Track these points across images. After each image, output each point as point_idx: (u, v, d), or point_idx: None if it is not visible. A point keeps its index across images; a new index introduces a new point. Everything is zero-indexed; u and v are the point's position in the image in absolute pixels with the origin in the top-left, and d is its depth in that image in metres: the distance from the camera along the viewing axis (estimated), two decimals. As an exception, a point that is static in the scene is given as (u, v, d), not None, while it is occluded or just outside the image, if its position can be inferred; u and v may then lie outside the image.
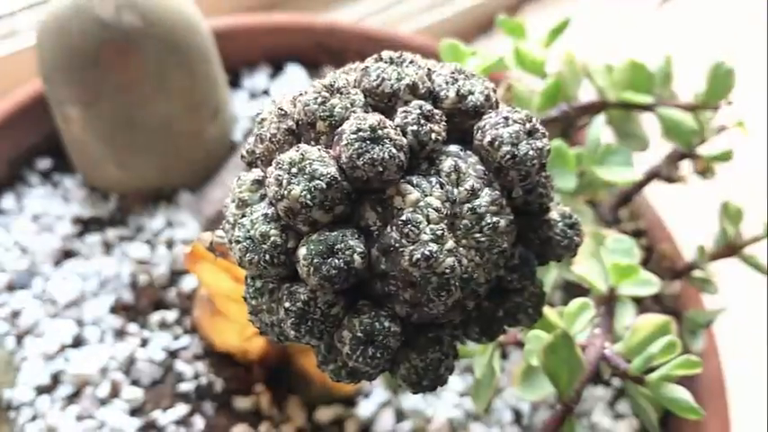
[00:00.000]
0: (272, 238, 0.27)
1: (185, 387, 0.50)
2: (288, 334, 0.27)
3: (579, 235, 0.30)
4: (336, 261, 0.25)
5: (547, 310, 0.36)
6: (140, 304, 0.54)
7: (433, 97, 0.28)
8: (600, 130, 0.43)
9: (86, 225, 0.58)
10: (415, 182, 0.26)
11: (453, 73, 0.28)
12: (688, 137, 0.45)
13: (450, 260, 0.26)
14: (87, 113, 0.55)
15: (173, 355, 0.51)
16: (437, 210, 0.26)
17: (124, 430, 0.48)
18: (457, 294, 0.27)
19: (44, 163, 0.61)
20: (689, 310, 0.49)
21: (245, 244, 0.27)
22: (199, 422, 0.48)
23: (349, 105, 0.26)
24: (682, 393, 0.33)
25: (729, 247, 0.44)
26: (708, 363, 0.51)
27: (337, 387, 0.49)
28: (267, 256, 0.27)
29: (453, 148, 0.28)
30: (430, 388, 0.29)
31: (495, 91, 0.29)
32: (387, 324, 0.27)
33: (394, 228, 0.26)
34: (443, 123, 0.27)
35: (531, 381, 0.39)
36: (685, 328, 0.49)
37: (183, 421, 0.48)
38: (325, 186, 0.25)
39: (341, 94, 0.27)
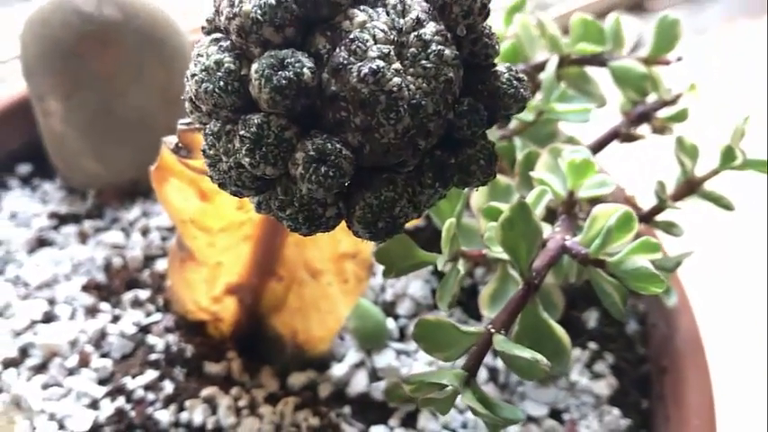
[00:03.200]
0: (225, 65, 0.28)
1: (155, 356, 0.49)
2: (243, 165, 0.28)
3: (525, 88, 0.31)
4: (286, 73, 0.27)
5: (499, 205, 0.37)
6: (113, 284, 0.54)
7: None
8: (553, 73, 0.45)
9: (63, 219, 0.59)
10: (362, 8, 0.28)
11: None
12: (639, 82, 0.47)
13: (397, 79, 0.27)
14: (66, 105, 0.57)
15: (144, 329, 0.51)
16: (384, 31, 0.28)
17: (91, 395, 0.46)
18: (406, 120, 0.28)
19: (24, 168, 0.63)
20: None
21: (200, 76, 0.28)
22: (168, 386, 0.47)
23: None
24: (643, 263, 0.33)
25: (689, 183, 0.45)
26: (682, 318, 0.51)
27: (310, 347, 0.48)
28: (222, 83, 0.28)
29: (400, -11, 0.29)
30: (385, 232, 0.30)
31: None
32: (338, 146, 0.27)
33: (342, 47, 0.27)
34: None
35: (497, 301, 0.39)
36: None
37: (152, 386, 0.47)
38: (274, 3, 0.27)
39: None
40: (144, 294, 0.53)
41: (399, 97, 0.27)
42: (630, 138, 0.50)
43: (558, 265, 0.38)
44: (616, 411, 0.48)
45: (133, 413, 0.46)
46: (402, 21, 0.28)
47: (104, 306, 0.52)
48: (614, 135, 0.51)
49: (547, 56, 0.49)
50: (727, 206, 0.45)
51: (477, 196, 0.42)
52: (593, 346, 0.51)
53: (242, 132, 0.28)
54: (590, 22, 0.48)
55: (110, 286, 0.54)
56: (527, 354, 0.31)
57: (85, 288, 0.53)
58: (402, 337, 0.51)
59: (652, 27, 0.48)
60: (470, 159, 0.31)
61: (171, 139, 0.37)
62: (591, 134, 0.54)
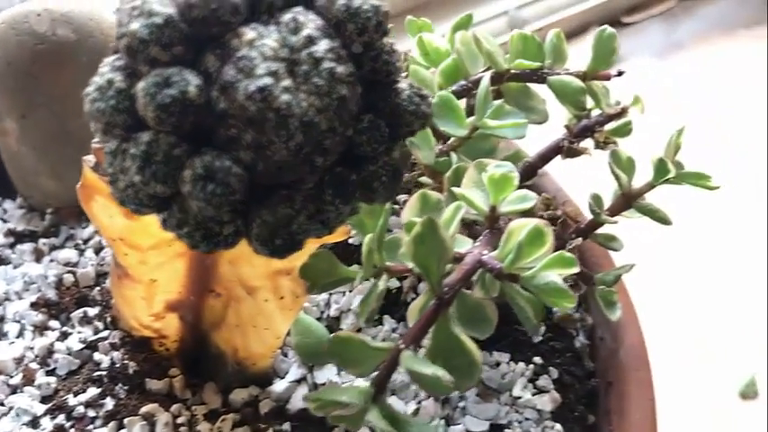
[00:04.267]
0: (116, 84, 0.28)
1: (99, 373, 0.49)
2: (136, 183, 0.28)
3: (428, 105, 0.32)
4: (171, 91, 0.27)
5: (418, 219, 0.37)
6: (63, 302, 0.54)
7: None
8: (488, 87, 0.45)
9: (19, 237, 0.59)
10: (252, 26, 0.28)
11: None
12: (576, 97, 0.47)
13: (286, 96, 0.28)
14: (22, 125, 0.57)
15: (91, 346, 0.51)
16: (273, 49, 0.28)
17: (32, 412, 0.47)
18: (299, 137, 0.28)
19: (-16, 187, 0.63)
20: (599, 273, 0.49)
21: (93, 95, 0.29)
22: (109, 403, 0.47)
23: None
24: (553, 278, 0.33)
25: (625, 197, 0.45)
26: (628, 333, 0.51)
27: (251, 364, 0.48)
28: (112, 102, 0.28)
29: (297, 8, 0.30)
30: (284, 249, 0.30)
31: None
32: (227, 163, 0.28)
33: (230, 65, 0.28)
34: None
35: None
36: (598, 294, 0.49)
37: (93, 403, 0.47)
38: (161, 23, 0.27)
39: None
40: (93, 311, 0.53)
41: (289, 114, 0.28)
42: (573, 152, 0.51)
43: (481, 280, 0.38)
44: (558, 427, 0.48)
45: (73, 430, 0.46)
46: (294, 38, 0.29)
47: (53, 323, 0.53)
48: (557, 150, 0.51)
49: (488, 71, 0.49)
50: (664, 220, 0.45)
51: (407, 210, 0.42)
52: (537, 360, 0.51)
53: (132, 151, 0.28)
54: (529, 37, 0.49)
55: (60, 303, 0.54)
56: (430, 370, 0.31)
57: (35, 305, 0.53)
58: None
59: (590, 42, 0.49)
60: (373, 176, 0.31)
61: (90, 158, 0.37)
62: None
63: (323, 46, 0.29)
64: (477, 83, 0.49)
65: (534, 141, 0.51)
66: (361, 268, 0.38)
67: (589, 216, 0.48)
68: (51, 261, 0.57)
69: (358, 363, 0.33)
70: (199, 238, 0.30)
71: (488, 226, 0.39)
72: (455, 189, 0.39)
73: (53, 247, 0.58)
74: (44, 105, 0.57)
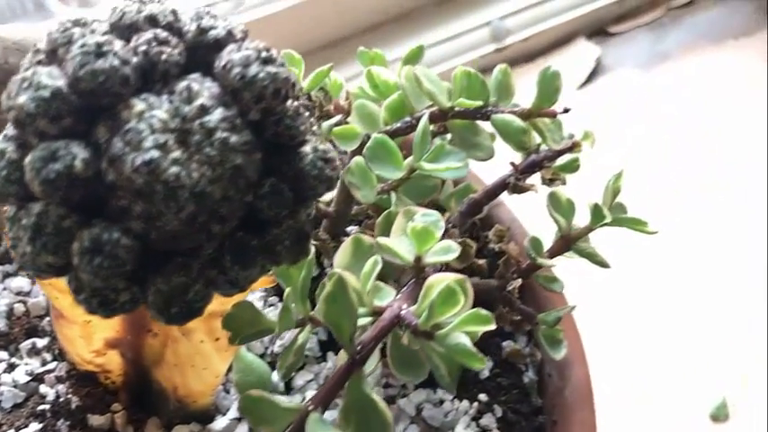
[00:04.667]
0: (7, 155, 0.28)
1: (43, 407, 0.49)
2: (27, 253, 0.28)
3: (333, 168, 0.31)
4: (57, 165, 0.27)
5: (343, 272, 0.37)
6: (13, 332, 0.54)
7: (176, 31, 0.30)
8: (426, 128, 0.45)
9: (-26, 264, 0.59)
10: (143, 97, 0.28)
11: (199, 12, 0.31)
12: (518, 137, 0.47)
13: (174, 169, 0.27)
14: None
15: (37, 378, 0.51)
16: (162, 121, 0.28)
17: (-28, 449, 0.47)
18: (190, 208, 0.28)
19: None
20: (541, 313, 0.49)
21: (-15, 164, 0.28)
22: (49, 439, 0.47)
23: (88, 32, 0.29)
24: (462, 340, 0.33)
25: (564, 240, 0.45)
26: (573, 371, 0.51)
27: (192, 401, 0.48)
28: (4, 173, 0.28)
29: (194, 75, 0.29)
30: (181, 316, 0.30)
31: (245, 33, 0.31)
32: (116, 235, 0.28)
33: (119, 137, 0.27)
34: (180, 49, 0.29)
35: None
36: (541, 333, 0.48)
37: (34, 439, 0.48)
38: (48, 96, 0.27)
39: (84, 25, 0.29)
40: (42, 342, 0.53)
41: (178, 186, 0.28)
42: (519, 189, 0.50)
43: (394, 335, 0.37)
44: (499, 467, 0.48)
45: (12, 467, 0.46)
46: (187, 108, 0.29)
47: (1, 354, 0.53)
48: (503, 186, 0.50)
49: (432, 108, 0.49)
50: (602, 264, 0.45)
51: (340, 254, 0.42)
52: (482, 397, 0.51)
53: (24, 221, 0.28)
54: (473, 75, 0.48)
55: (9, 334, 0.54)
56: (331, 435, 0.31)
57: (-17, 337, 0.53)
58: (288, 389, 0.51)
59: (535, 80, 0.48)
60: (276, 240, 0.31)
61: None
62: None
63: (216, 116, 0.29)
64: (418, 119, 0.49)
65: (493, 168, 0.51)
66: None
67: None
68: (4, 290, 0.57)
69: (269, 422, 0.33)
70: (95, 305, 0.30)
71: (414, 276, 0.39)
72: (380, 240, 0.38)
73: (6, 275, 0.58)
74: (-2, 133, 0.57)
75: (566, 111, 0.49)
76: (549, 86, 0.47)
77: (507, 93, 0.49)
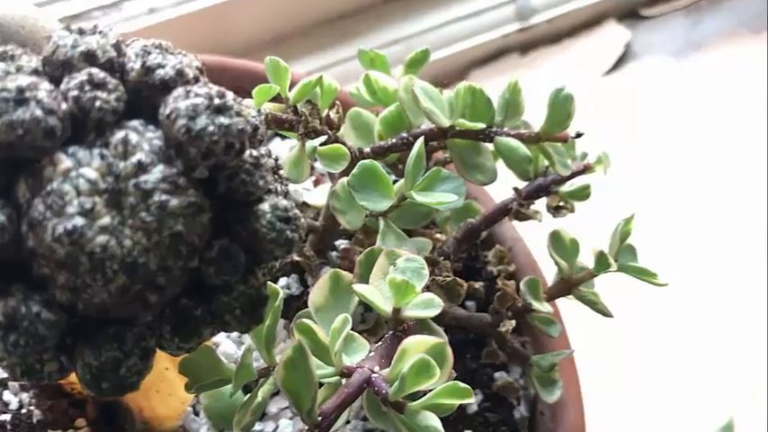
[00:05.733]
0: None
1: (3, 418, 0.47)
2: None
3: (294, 230, 0.28)
4: (-34, 229, 0.23)
5: (312, 325, 0.33)
6: (-20, 331, 0.52)
7: (117, 69, 0.26)
8: (421, 153, 0.41)
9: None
10: (71, 152, 0.24)
11: (147, 47, 0.27)
12: (522, 165, 0.42)
13: (102, 238, 0.24)
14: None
15: (2, 384, 0.49)
16: (91, 182, 0.24)
17: (-73, 461, 0.45)
18: (121, 280, 0.24)
19: None
20: (537, 354, 0.45)
21: None
22: (7, 455, 0.45)
23: (13, 71, 0.25)
24: (432, 422, 0.30)
25: (565, 283, 0.41)
26: (567, 414, 0.47)
27: (157, 424, 0.46)
28: None
29: (134, 122, 0.26)
30: (112, 391, 0.26)
31: (201, 70, 0.27)
32: (36, 309, 0.24)
33: (40, 199, 0.24)
34: (119, 93, 0.25)
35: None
36: (535, 375, 0.45)
37: (-9, 454, 0.45)
38: (-41, 147, 0.24)
39: (11, 59, 0.25)
40: (9, 344, 0.51)
41: (106, 258, 0.24)
42: (522, 216, 0.46)
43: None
44: None
45: (-34, 484, 0.44)
46: (122, 164, 0.25)
47: (-33, 355, 0.50)
48: (504, 211, 0.46)
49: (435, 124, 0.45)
50: (603, 312, 0.41)
51: (316, 293, 0.38)
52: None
53: (-69, 285, 0.25)
54: (478, 91, 0.44)
55: (-24, 333, 0.51)
56: None
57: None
58: (261, 416, 0.48)
59: (546, 102, 0.43)
60: (224, 308, 0.27)
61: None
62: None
63: (155, 174, 0.25)
64: (418, 137, 0.45)
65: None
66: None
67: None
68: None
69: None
70: (20, 374, 0.26)
71: (392, 328, 0.35)
72: (356, 288, 0.35)
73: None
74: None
75: (578, 135, 0.45)
76: (561, 111, 0.43)
77: (515, 111, 0.45)
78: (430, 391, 0.32)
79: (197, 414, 0.48)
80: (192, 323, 0.27)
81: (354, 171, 0.39)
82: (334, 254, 0.51)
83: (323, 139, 0.41)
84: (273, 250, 0.27)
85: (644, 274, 0.39)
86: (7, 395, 0.48)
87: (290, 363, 0.30)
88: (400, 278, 0.33)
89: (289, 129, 0.43)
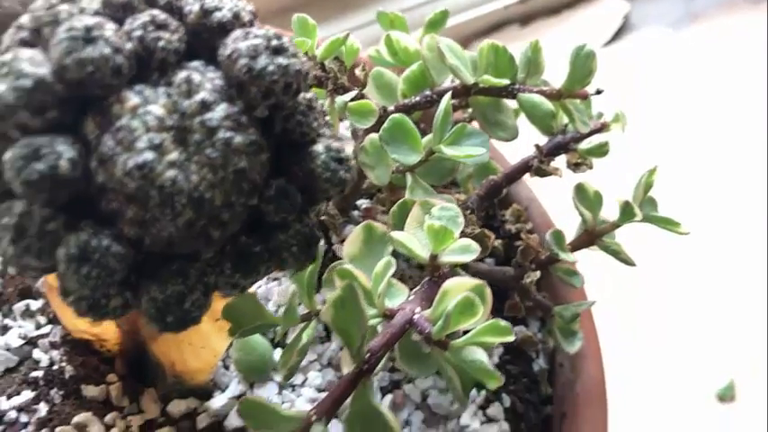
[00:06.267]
0: (-16, 147, 0.25)
1: (36, 374, 0.48)
2: (9, 255, 0.26)
3: (348, 170, 0.28)
4: (40, 165, 0.24)
5: (353, 270, 0.34)
6: (6, 293, 0.52)
7: (176, 12, 0.27)
8: (448, 108, 0.42)
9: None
10: (137, 89, 0.25)
11: (203, -10, 0.27)
12: (546, 121, 0.43)
13: (171, 172, 0.25)
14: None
15: (31, 342, 0.49)
16: (159, 118, 0.25)
17: (-37, 415, 0.45)
18: (188, 214, 0.25)
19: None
20: (558, 306, 0.46)
21: (-38, 159, 0.26)
22: (42, 409, 0.46)
23: (77, 11, 0.25)
24: (479, 356, 0.31)
25: (589, 234, 0.42)
26: (588, 364, 0.49)
27: (189, 377, 0.47)
28: (-20, 167, 0.25)
29: (195, 63, 0.26)
30: (176, 325, 0.27)
31: (254, 14, 0.28)
32: (106, 242, 0.25)
33: (109, 135, 0.25)
34: (180, 34, 0.26)
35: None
36: (556, 326, 0.46)
37: (26, 407, 0.46)
38: (31, 86, 0.24)
39: (72, 1, 0.26)
40: (36, 305, 0.51)
41: (175, 192, 0.25)
42: (543, 173, 0.47)
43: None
44: (504, 460, 0.47)
45: (3, 437, 0.45)
46: (186, 103, 0.26)
47: (-6, 316, 0.51)
48: (525, 168, 0.47)
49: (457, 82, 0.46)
50: (627, 261, 0.42)
51: (350, 242, 0.39)
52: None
53: (4, 221, 0.25)
54: (500, 49, 0.45)
55: (2, 294, 0.52)
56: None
57: (-24, 297, 0.52)
58: (289, 369, 0.49)
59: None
60: (282, 246, 0.28)
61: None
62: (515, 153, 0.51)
63: (218, 113, 0.26)
64: (442, 94, 0.46)
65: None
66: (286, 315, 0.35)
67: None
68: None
69: (270, 427, 0.31)
70: (85, 308, 0.27)
71: (429, 274, 0.36)
72: (394, 235, 0.36)
73: None
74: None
75: (598, 92, 0.46)
76: (583, 67, 0.44)
77: (536, 70, 0.46)
78: (467, 333, 0.34)
79: (227, 368, 0.49)
80: (251, 260, 0.28)
81: (385, 125, 0.40)
82: (356, 213, 0.52)
83: (352, 94, 0.42)
84: (328, 190, 0.28)
85: (667, 223, 0.40)
86: (37, 353, 0.49)
87: (339, 302, 0.31)
88: (438, 224, 0.34)
89: (318, 85, 0.43)
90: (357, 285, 0.30)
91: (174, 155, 0.25)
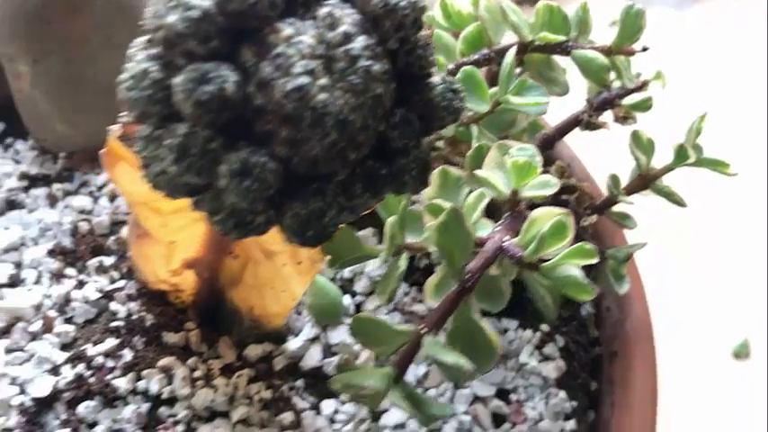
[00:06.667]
0: (151, 74, 0.28)
1: (116, 324, 0.50)
2: (171, 174, 0.29)
3: (460, 99, 0.32)
4: (209, 87, 0.27)
5: (442, 203, 0.37)
6: (79, 250, 0.55)
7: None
8: (512, 62, 0.45)
9: (33, 180, 0.59)
10: (289, 21, 0.28)
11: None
12: (601, 73, 0.47)
13: (323, 95, 0.28)
14: (35, 70, 0.57)
15: (107, 296, 0.52)
16: (310, 46, 0.28)
17: (52, 360, 0.48)
18: (334, 135, 0.28)
19: (-3, 127, 0.63)
20: (610, 248, 0.50)
21: (128, 83, 0.28)
22: (127, 354, 0.48)
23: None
24: (574, 272, 0.34)
25: (643, 178, 0.46)
26: (635, 306, 0.52)
27: (266, 322, 0.49)
28: (148, 92, 0.28)
29: (332, 0, 0.29)
30: (315, 239, 0.30)
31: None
32: (263, 159, 0.28)
33: (268, 62, 0.27)
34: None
35: (441, 291, 0.40)
36: (608, 268, 0.49)
37: (112, 354, 0.48)
38: (198, 16, 0.27)
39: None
40: (109, 261, 0.54)
41: (325, 113, 0.28)
42: (592, 126, 0.50)
43: (500, 261, 0.38)
44: (563, 394, 0.50)
45: (92, 379, 0.47)
46: (331, 34, 0.28)
47: (70, 271, 0.53)
48: (576, 122, 0.51)
49: (512, 40, 0.49)
50: (679, 202, 0.45)
51: (427, 189, 0.42)
52: (544, 328, 0.52)
53: (168, 141, 0.28)
54: (555, 9, 0.48)
55: (76, 251, 0.55)
56: (450, 358, 0.32)
57: (52, 253, 0.54)
58: (358, 313, 0.52)
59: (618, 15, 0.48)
60: (403, 169, 0.31)
61: (115, 128, 0.37)
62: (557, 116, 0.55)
63: (359, 43, 0.29)
64: (499, 52, 0.49)
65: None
66: (382, 246, 0.38)
67: (603, 193, 0.49)
68: (66, 207, 0.57)
69: (379, 343, 0.34)
70: (231, 226, 0.30)
71: (509, 209, 0.39)
72: (478, 172, 0.39)
73: (67, 193, 0.58)
74: (57, 51, 0.56)
75: (644, 49, 0.49)
76: (633, 25, 0.47)
77: (586, 29, 0.49)
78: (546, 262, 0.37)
79: (298, 314, 0.51)
80: (378, 182, 0.31)
81: (459, 76, 0.43)
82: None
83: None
84: (444, 118, 0.31)
85: (718, 165, 0.44)
86: (114, 305, 0.51)
87: (443, 226, 0.34)
88: (523, 159, 0.37)
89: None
90: (462, 213, 0.34)
91: (323, 80, 0.28)
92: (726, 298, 0.85)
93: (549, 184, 0.38)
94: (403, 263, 0.38)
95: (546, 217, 0.36)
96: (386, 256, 0.37)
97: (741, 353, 0.84)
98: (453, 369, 0.32)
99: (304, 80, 0.27)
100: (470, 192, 0.42)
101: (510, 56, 0.44)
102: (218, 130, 0.28)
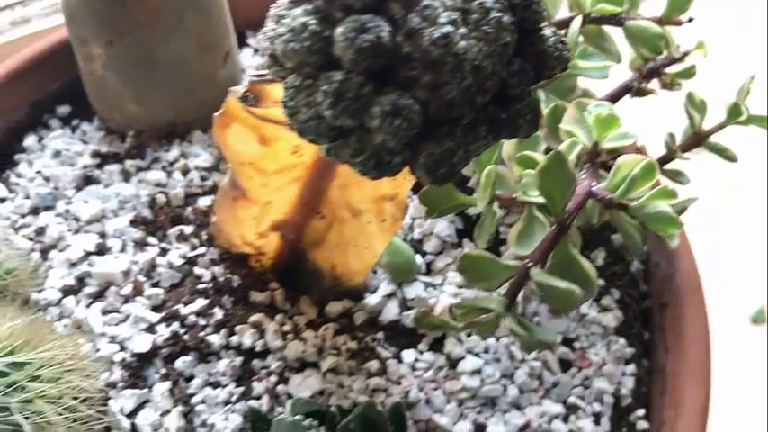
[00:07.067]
0: (310, 27, 0.31)
1: (203, 286, 0.53)
2: (325, 117, 0.32)
3: (568, 50, 0.35)
4: (368, 36, 0.30)
5: (533, 155, 0.41)
6: (159, 220, 0.58)
7: None
8: (577, 31, 0.49)
9: (105, 158, 0.62)
10: (430, -22, 0.32)
11: None
12: (654, 41, 0.51)
13: (463, 43, 0.31)
14: (109, 51, 0.60)
15: (191, 261, 0.55)
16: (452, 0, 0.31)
17: (147, 320, 0.51)
18: (469, 79, 0.32)
19: (64, 109, 0.66)
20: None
21: (287, 36, 0.32)
22: (218, 313, 0.52)
23: None
24: (664, 207, 0.38)
25: (696, 136, 0.50)
26: (683, 259, 0.56)
27: (347, 279, 0.53)
28: (307, 44, 0.31)
29: (460, -41, 0.33)
30: (445, 176, 0.34)
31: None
32: (410, 101, 0.31)
33: (415, 13, 0.31)
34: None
35: (524, 239, 0.44)
36: (661, 224, 0.53)
37: (203, 312, 0.52)
38: (358, -29, 0.30)
39: None
40: (188, 229, 0.57)
41: (465, 59, 0.31)
42: (642, 92, 0.55)
43: (582, 209, 0.42)
44: (622, 341, 0.54)
45: (187, 336, 0.50)
46: (466, -11, 0.32)
47: (152, 240, 0.56)
48: (626, 90, 0.55)
49: (567, 14, 0.53)
50: (731, 158, 0.50)
51: (508, 146, 0.46)
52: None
53: (324, 88, 0.32)
54: (609, -18, 0.52)
55: (156, 221, 0.58)
56: (563, 284, 0.35)
57: (133, 223, 0.57)
58: (429, 271, 0.56)
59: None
60: (519, 114, 0.35)
61: (238, 89, 0.41)
62: (600, 88, 0.59)
63: (491, -3, 0.32)
64: (557, 24, 0.53)
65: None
66: (476, 197, 0.42)
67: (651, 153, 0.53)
68: (140, 182, 0.60)
69: (488, 278, 0.38)
70: (371, 167, 0.34)
71: (588, 160, 0.43)
72: (562, 126, 0.43)
73: (140, 169, 0.61)
74: (131, 33, 0.59)
75: (690, 20, 0.53)
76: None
77: (636, 2, 0.53)
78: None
79: (374, 272, 0.55)
80: (498, 125, 0.35)
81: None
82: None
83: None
84: (555, 67, 0.35)
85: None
86: (198, 270, 0.54)
87: (545, 170, 0.38)
88: (606, 113, 0.41)
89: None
90: (564, 156, 0.37)
91: (463, 29, 0.31)
92: (749, 264, 0.89)
93: (626, 135, 0.42)
94: (497, 210, 0.42)
95: (631, 163, 0.40)
96: (486, 200, 0.41)
97: (759, 318, 0.88)
98: (565, 293, 0.36)
99: (449, 29, 0.31)
100: (548, 148, 0.46)
101: (576, 24, 0.48)
102: (369, 77, 0.32)
